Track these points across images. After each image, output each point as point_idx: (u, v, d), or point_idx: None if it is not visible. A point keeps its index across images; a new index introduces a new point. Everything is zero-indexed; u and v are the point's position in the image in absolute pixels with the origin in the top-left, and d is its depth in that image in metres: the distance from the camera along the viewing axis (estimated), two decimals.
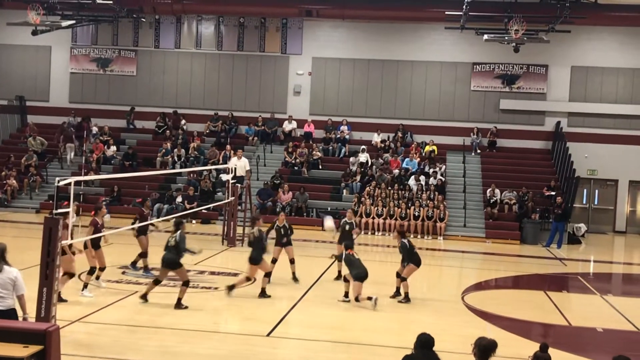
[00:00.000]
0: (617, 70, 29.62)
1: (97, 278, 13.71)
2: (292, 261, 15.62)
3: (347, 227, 16.08)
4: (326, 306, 13.52)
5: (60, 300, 12.44)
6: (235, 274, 16.11)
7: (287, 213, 26.31)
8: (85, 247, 13.50)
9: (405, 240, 14.19)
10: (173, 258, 12.61)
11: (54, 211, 10.21)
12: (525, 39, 24.77)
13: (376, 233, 25.28)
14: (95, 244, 13.39)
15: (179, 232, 12.73)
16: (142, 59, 31.98)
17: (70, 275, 12.81)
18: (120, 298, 13.13)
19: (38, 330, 7.13)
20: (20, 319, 8.14)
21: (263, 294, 13.84)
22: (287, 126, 30.61)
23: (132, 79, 32.04)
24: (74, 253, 13.07)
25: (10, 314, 7.95)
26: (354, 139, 30.41)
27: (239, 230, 20.89)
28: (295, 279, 15.51)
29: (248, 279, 14.11)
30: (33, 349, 6.88)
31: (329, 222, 16.48)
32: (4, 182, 27.56)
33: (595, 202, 30.00)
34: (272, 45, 31.28)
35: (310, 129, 30.49)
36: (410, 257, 14.10)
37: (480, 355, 6.51)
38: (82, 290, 13.08)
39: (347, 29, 30.90)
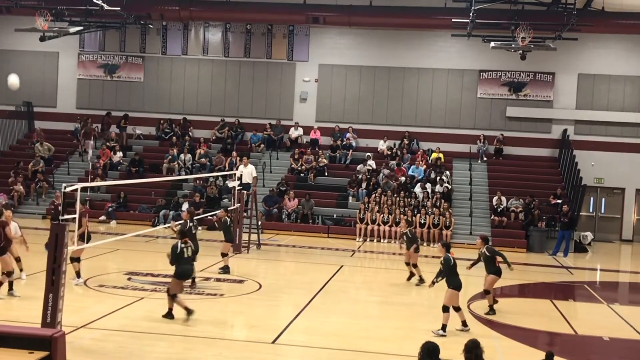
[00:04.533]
0: (624, 78, 29.57)
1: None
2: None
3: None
4: (331, 313, 13.50)
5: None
6: (241, 281, 16.13)
7: (292, 220, 26.41)
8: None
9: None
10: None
11: (61, 217, 10.24)
12: (532, 46, 24.74)
13: (382, 240, 25.25)
14: (2, 249, 13.22)
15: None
16: (149, 65, 32.08)
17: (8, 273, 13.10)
18: (126, 304, 13.13)
19: (44, 336, 7.14)
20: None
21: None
22: (294, 133, 30.64)
23: (140, 85, 32.14)
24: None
25: None
26: (360, 146, 30.41)
27: (245, 236, 20.91)
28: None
29: None
30: (38, 355, 6.88)
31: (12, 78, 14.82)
32: (11, 187, 27.64)
33: (602, 211, 29.89)
34: (278, 52, 31.35)
35: (317, 136, 30.51)
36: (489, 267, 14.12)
37: (466, 356, 6.64)
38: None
39: (354, 36, 30.95)
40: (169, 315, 12.17)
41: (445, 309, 12.24)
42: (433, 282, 12.64)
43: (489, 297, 14.19)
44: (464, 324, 12.43)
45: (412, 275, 17.45)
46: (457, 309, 12.40)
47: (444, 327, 12.11)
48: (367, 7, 28.94)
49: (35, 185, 28.01)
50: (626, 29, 28.29)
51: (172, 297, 12.17)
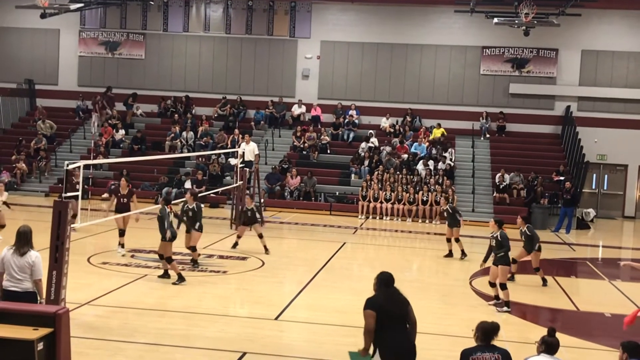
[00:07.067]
0: (628, 54, 29.38)
1: None
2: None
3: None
4: (334, 290, 13.54)
5: None
6: (244, 258, 16.19)
7: (295, 197, 26.43)
8: None
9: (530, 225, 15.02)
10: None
11: (63, 194, 10.24)
12: (535, 22, 24.58)
13: (384, 218, 25.28)
14: None
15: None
16: (150, 42, 31.94)
17: None
18: (129, 281, 13.19)
19: (48, 312, 7.16)
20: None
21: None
22: (297, 110, 30.54)
23: (141, 63, 32.02)
24: None
25: (27, 296, 8.00)
26: (362, 123, 30.33)
27: None
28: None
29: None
30: (43, 331, 6.91)
31: None
32: (14, 165, 27.67)
33: (605, 187, 29.87)
34: (280, 29, 31.16)
35: (317, 113, 30.39)
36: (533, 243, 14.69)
37: (482, 338, 6.56)
38: None
39: (356, 12, 30.74)
40: (165, 274, 13.46)
41: (503, 287, 12.45)
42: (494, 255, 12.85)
43: (540, 272, 14.79)
44: (497, 297, 12.70)
45: (451, 252, 17.65)
46: (493, 285, 12.72)
47: (507, 304, 12.41)
48: None
49: (37, 163, 28.02)
50: (630, 5, 28.10)
51: (168, 261, 13.30)
